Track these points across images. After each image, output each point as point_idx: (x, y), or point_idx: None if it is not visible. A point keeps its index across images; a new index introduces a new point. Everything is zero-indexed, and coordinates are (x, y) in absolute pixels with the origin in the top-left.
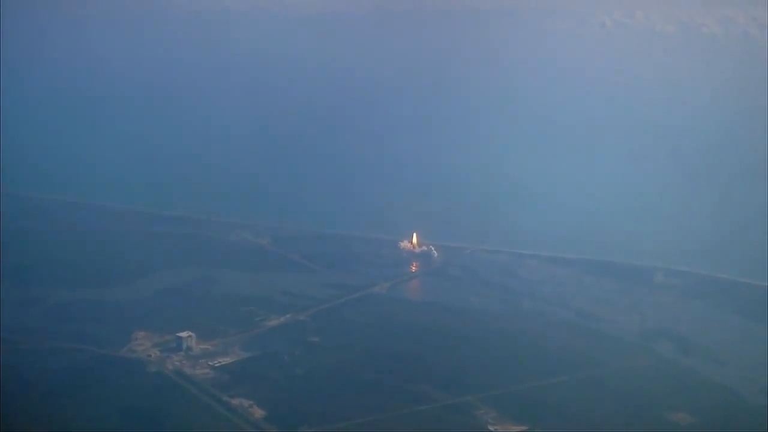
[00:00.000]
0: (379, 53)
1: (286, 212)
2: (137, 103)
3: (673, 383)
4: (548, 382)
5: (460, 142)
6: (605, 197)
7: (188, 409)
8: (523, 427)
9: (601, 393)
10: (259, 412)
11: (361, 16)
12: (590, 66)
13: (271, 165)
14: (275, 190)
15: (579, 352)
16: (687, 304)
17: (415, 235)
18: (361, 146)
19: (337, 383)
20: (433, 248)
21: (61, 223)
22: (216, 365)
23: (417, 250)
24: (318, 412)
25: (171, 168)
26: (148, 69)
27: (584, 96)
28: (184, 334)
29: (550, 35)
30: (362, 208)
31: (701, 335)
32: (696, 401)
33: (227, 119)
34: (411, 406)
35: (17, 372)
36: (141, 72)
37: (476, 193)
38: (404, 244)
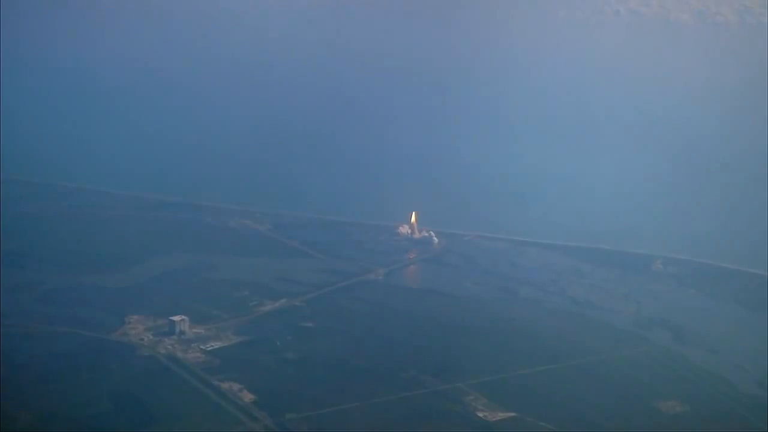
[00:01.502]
0: (380, 40)
1: (287, 199)
2: (138, 89)
3: (666, 372)
4: (540, 370)
5: (462, 130)
6: (606, 185)
7: (177, 392)
8: (512, 414)
9: (592, 381)
10: (248, 396)
11: (363, 4)
12: (603, 54)
13: (273, 152)
14: (277, 177)
15: (572, 340)
16: (684, 293)
17: (414, 215)
18: (363, 133)
19: (328, 368)
20: (433, 234)
21: (59, 208)
22: (208, 349)
23: (417, 236)
24: (307, 396)
25: (172, 154)
26: (149, 55)
27: (593, 85)
28: (177, 318)
29: (563, 23)
30: (364, 195)
31: (697, 324)
32: (687, 390)
33: (228, 106)
34: (400, 391)
35: (7, 356)
36: (142, 58)
37: (478, 181)
38: (404, 229)
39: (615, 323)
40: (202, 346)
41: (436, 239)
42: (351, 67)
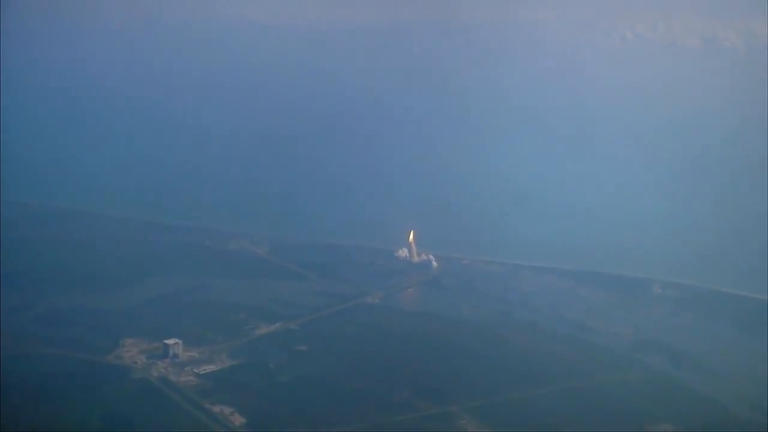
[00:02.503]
0: (383, 64)
1: (287, 222)
2: (136, 111)
3: (660, 395)
4: (533, 393)
5: (464, 156)
6: (608, 209)
7: (168, 415)
8: None
9: (585, 404)
10: (239, 420)
11: (368, 28)
12: (611, 79)
13: (274, 174)
14: (277, 200)
15: (567, 363)
16: (681, 317)
17: (412, 233)
18: (363, 157)
19: (321, 392)
20: (432, 258)
21: (60, 231)
22: (201, 372)
23: (416, 260)
24: (298, 420)
25: (172, 176)
26: (147, 77)
27: (598, 109)
28: (170, 342)
29: (570, 48)
30: (364, 218)
31: (693, 347)
32: (680, 413)
33: (228, 128)
34: (392, 415)
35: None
36: (139, 80)
37: (478, 205)
38: (402, 253)
39: (611, 346)
40: (195, 370)
41: (435, 263)
42: (349, 93)
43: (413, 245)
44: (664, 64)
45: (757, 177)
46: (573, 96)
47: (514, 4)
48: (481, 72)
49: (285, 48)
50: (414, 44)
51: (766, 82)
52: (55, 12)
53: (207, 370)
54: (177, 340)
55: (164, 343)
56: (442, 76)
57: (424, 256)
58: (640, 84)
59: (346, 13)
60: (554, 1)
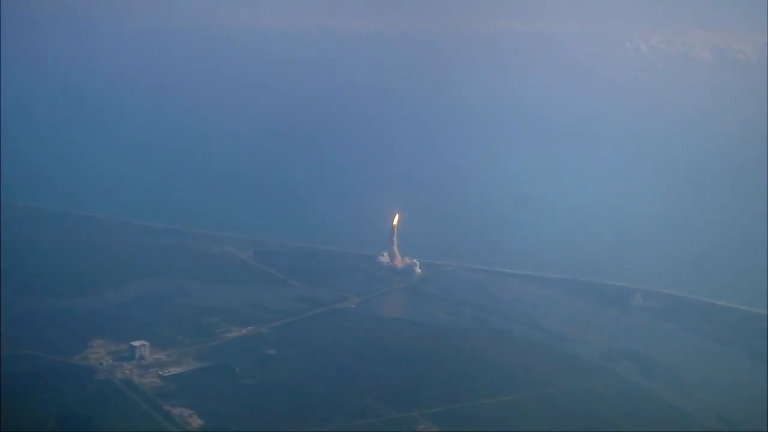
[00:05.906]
0: (378, 68)
1: (273, 226)
2: (124, 116)
3: (626, 404)
4: (498, 400)
5: (456, 161)
6: (602, 217)
7: (125, 417)
8: None
9: (549, 412)
10: (197, 422)
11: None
12: (624, 91)
13: (262, 178)
14: (264, 204)
15: (537, 371)
16: (660, 327)
17: (397, 217)
18: (351, 163)
19: (284, 396)
20: (417, 264)
21: (43, 233)
22: (165, 375)
23: (400, 265)
24: (257, 423)
25: (160, 180)
26: (137, 82)
27: (611, 122)
28: (137, 343)
29: (583, 60)
30: (353, 224)
31: (667, 358)
32: (644, 422)
33: (216, 132)
34: (352, 419)
35: None
36: (129, 86)
37: (465, 212)
38: (384, 258)
39: (583, 355)
40: (160, 372)
41: (418, 269)
42: (337, 100)
43: (397, 251)
44: (677, 76)
45: (757, 187)
46: (581, 104)
47: (530, 16)
48: (493, 81)
49: (281, 54)
50: (428, 53)
51: None
52: (55, 14)
53: (172, 372)
54: (144, 342)
55: (131, 345)
56: (450, 84)
57: (408, 261)
58: (652, 95)
59: (348, 19)
60: (569, 13)
